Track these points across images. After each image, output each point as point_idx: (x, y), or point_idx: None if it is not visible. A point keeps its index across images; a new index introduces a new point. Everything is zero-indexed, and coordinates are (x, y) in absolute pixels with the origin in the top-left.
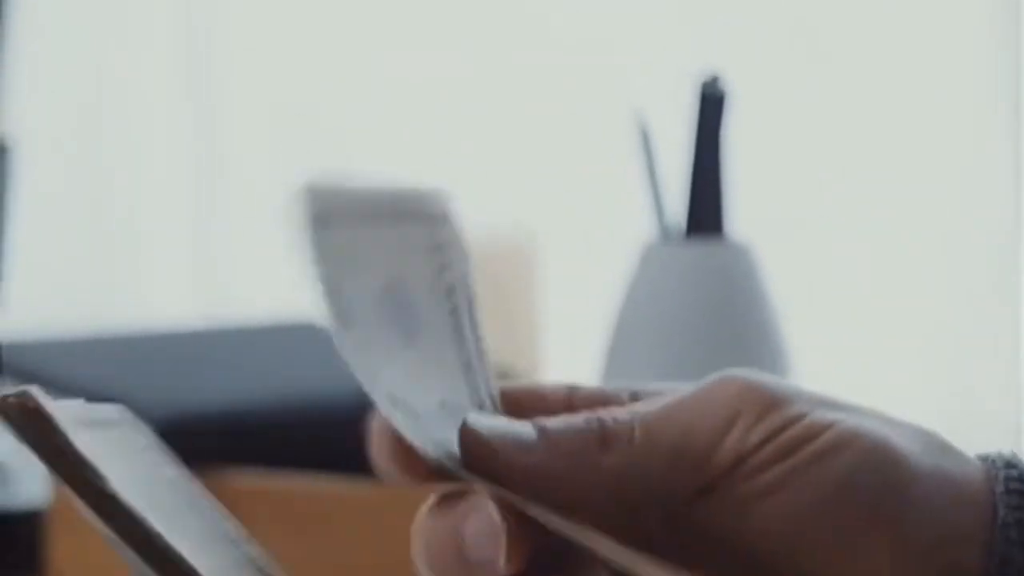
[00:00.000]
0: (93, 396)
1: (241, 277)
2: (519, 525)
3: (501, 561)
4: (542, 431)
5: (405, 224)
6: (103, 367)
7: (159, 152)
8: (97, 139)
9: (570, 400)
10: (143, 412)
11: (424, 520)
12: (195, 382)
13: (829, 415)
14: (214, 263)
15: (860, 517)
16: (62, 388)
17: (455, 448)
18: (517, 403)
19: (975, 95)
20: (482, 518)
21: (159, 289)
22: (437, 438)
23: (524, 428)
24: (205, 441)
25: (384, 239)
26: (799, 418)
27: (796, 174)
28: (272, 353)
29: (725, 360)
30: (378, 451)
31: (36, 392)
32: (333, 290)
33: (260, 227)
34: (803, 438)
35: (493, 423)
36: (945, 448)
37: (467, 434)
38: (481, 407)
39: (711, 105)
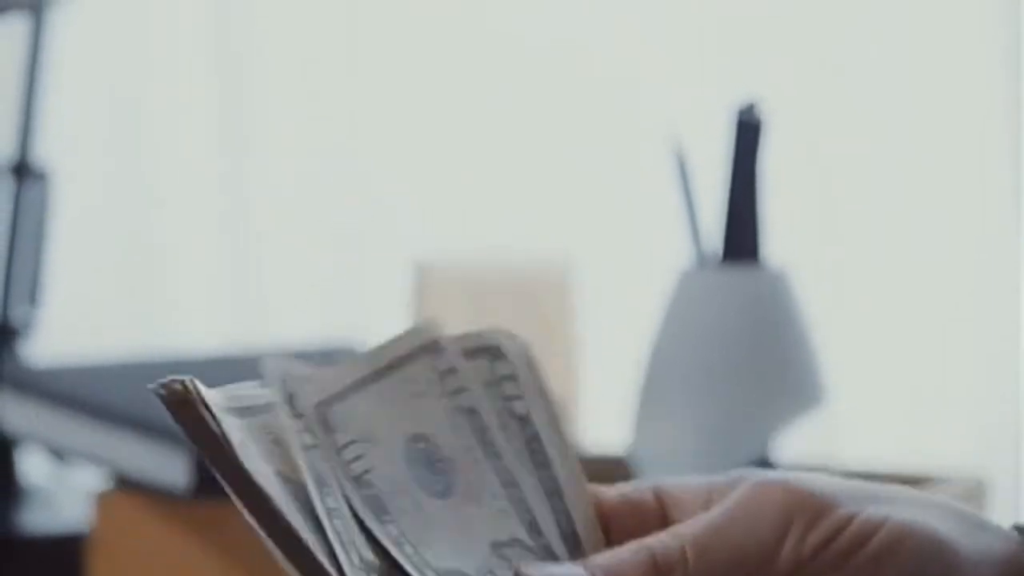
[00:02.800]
0: (134, 421)
1: (276, 303)
2: None
3: None
4: (595, 568)
5: (450, 359)
6: (139, 392)
7: (194, 178)
8: (133, 165)
9: (600, 509)
10: (181, 437)
11: None
12: None
13: (882, 511)
14: (249, 289)
15: None
16: (99, 412)
17: None
18: None
19: (1015, 124)
20: None
21: (194, 315)
22: None
23: (575, 569)
24: None
25: (393, 403)
26: (850, 520)
27: (832, 200)
28: None
29: (761, 385)
30: None
31: (190, 381)
32: (356, 479)
33: (295, 253)
34: (858, 542)
35: (545, 571)
36: (981, 525)
37: None
38: (566, 530)
39: (747, 132)
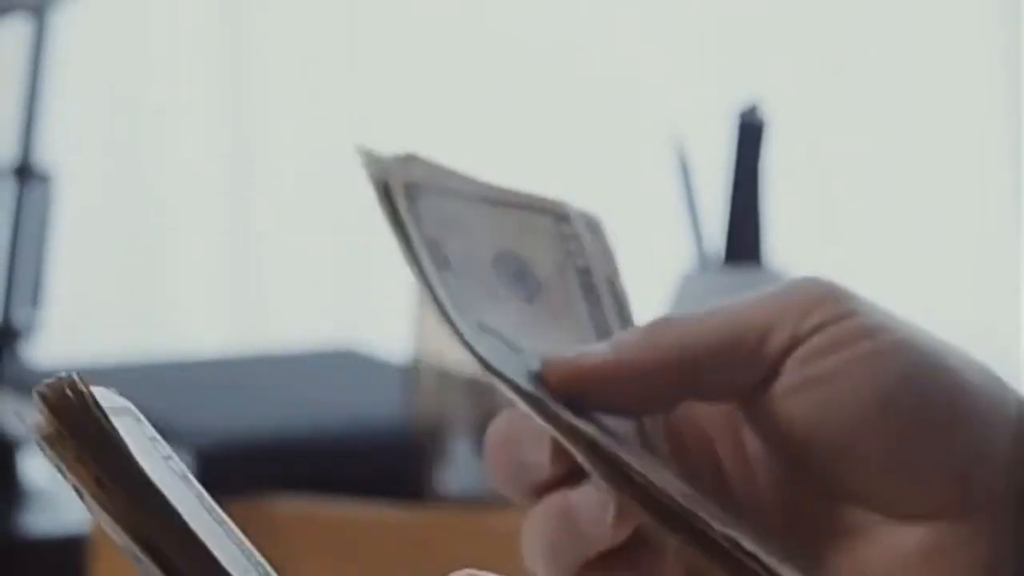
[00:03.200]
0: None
1: (277, 305)
2: (623, 489)
3: (609, 525)
4: (614, 338)
5: (522, 212)
6: (143, 394)
7: (197, 180)
8: (135, 166)
9: None
10: (185, 439)
11: (535, 513)
12: (237, 409)
13: (886, 320)
14: (251, 291)
15: (904, 427)
16: None
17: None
18: None
19: (1016, 124)
20: (589, 492)
21: (196, 316)
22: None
23: (596, 345)
24: (248, 467)
25: (499, 218)
26: (854, 313)
27: (834, 202)
28: (312, 380)
29: None
30: (495, 462)
31: (76, 377)
32: (431, 242)
33: (297, 254)
34: (858, 334)
35: (571, 350)
36: (998, 379)
37: (547, 362)
38: None
39: (750, 134)
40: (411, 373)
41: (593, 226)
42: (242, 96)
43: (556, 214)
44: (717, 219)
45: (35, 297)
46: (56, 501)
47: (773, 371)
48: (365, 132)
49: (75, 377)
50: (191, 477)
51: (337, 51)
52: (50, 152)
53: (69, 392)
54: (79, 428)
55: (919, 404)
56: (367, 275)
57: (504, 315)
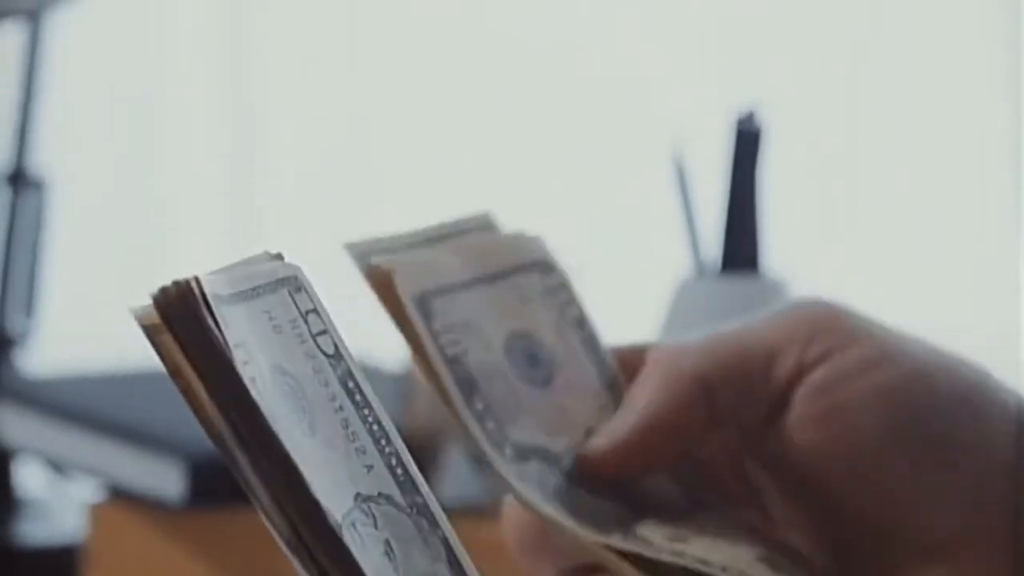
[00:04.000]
0: (128, 432)
1: None
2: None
3: None
4: (634, 407)
5: (514, 279)
6: (136, 403)
7: (197, 185)
8: (134, 172)
9: None
10: (179, 448)
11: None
12: None
13: (893, 343)
14: None
15: (921, 451)
16: (94, 423)
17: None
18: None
19: (1016, 127)
20: None
21: None
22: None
23: (622, 418)
24: None
25: (498, 297)
26: (859, 338)
27: (832, 209)
28: None
29: None
30: (518, 544)
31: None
32: (454, 364)
33: (302, 260)
34: (867, 363)
35: (603, 433)
36: (1006, 391)
37: (582, 460)
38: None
39: (747, 140)
40: (406, 382)
41: (561, 267)
42: (242, 99)
43: (541, 267)
44: (714, 225)
45: (29, 305)
46: (51, 510)
47: (782, 402)
48: (366, 134)
49: (193, 279)
50: (343, 351)
51: (340, 51)
52: (46, 158)
53: (175, 288)
54: (179, 322)
55: (933, 434)
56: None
57: (530, 420)
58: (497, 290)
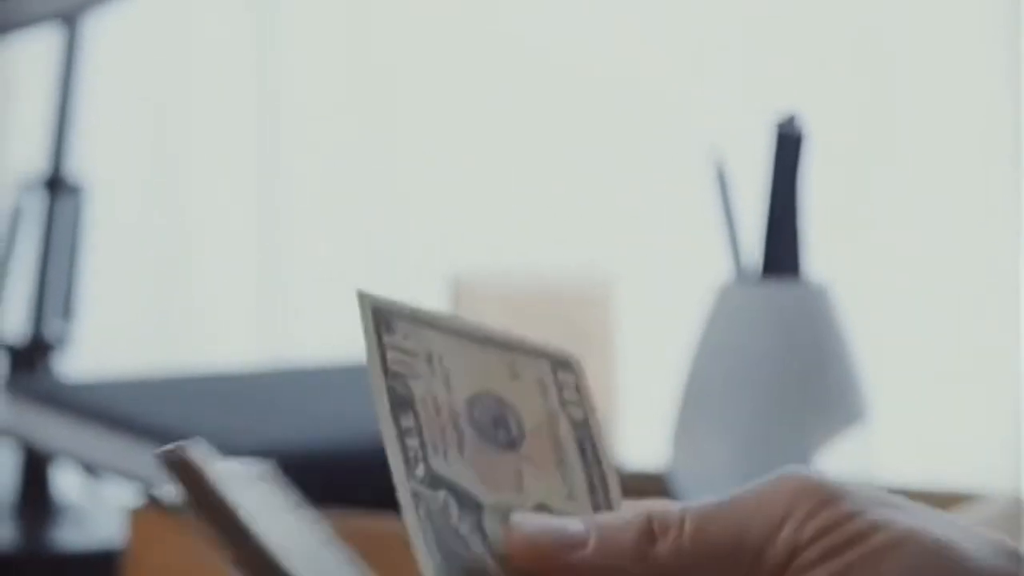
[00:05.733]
0: (167, 436)
1: (308, 320)
2: None
3: None
4: (593, 525)
5: (512, 355)
6: (174, 407)
7: (228, 191)
8: (167, 178)
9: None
10: (219, 453)
11: None
12: (267, 423)
13: (887, 514)
14: (282, 305)
15: None
16: (132, 428)
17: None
18: None
19: None
20: None
21: (228, 329)
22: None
23: (573, 523)
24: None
25: (482, 360)
26: (854, 515)
27: (873, 214)
28: (341, 394)
29: (802, 401)
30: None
31: (190, 447)
32: (395, 379)
33: (329, 269)
34: (857, 537)
35: (540, 520)
36: (1014, 556)
37: (511, 533)
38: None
39: (788, 145)
40: None
41: (580, 370)
42: (276, 106)
43: (559, 363)
44: (755, 231)
45: (66, 310)
46: (88, 515)
47: None
48: (398, 145)
49: (192, 455)
50: (335, 542)
51: (369, 62)
52: (82, 163)
53: (187, 466)
54: (199, 498)
55: None
56: (396, 289)
57: (465, 465)
58: (485, 354)
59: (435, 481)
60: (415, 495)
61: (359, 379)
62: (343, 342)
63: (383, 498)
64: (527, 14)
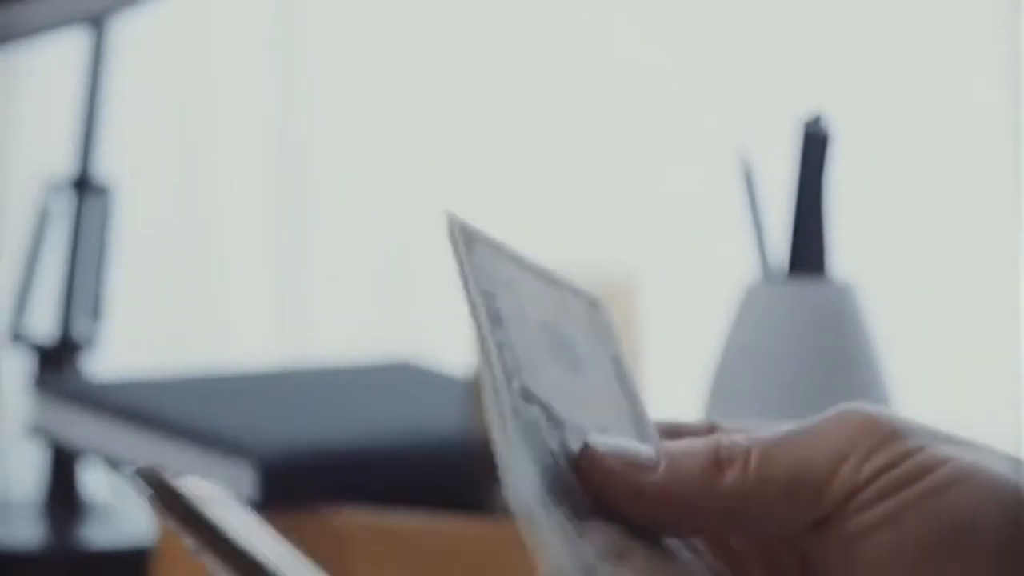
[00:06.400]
0: (198, 434)
1: (334, 320)
2: None
3: None
4: (663, 451)
5: (560, 292)
6: (203, 405)
7: (255, 191)
8: (193, 178)
9: (709, 432)
10: (247, 452)
11: None
12: (297, 422)
13: (950, 450)
14: (310, 304)
15: (978, 558)
16: (162, 426)
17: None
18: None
19: None
20: None
21: (254, 329)
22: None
23: (645, 448)
24: (310, 480)
25: (544, 292)
26: (915, 451)
27: (899, 213)
28: (371, 393)
29: (828, 400)
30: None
31: (164, 469)
32: (487, 296)
33: (357, 267)
34: (920, 471)
35: (615, 442)
36: None
37: (587, 453)
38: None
39: (814, 144)
40: (471, 385)
41: (608, 311)
42: (299, 109)
43: (588, 301)
44: (781, 230)
45: (95, 309)
46: (118, 513)
47: (834, 514)
48: (424, 146)
49: (164, 477)
50: (295, 551)
51: (392, 62)
52: (110, 163)
53: (162, 490)
54: (181, 516)
55: (984, 541)
56: (425, 288)
57: (548, 382)
58: (547, 288)
59: (528, 396)
60: (514, 409)
61: (381, 378)
62: (363, 342)
63: (402, 496)
64: (553, 14)
